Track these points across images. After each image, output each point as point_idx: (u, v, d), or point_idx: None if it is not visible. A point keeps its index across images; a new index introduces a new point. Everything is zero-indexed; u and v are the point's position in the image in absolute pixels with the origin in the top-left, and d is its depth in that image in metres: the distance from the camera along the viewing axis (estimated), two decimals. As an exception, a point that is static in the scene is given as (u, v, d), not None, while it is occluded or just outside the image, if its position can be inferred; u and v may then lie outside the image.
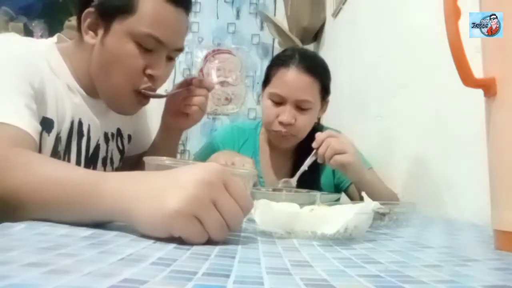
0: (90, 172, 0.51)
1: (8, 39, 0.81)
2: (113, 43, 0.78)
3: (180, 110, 0.94)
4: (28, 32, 3.08)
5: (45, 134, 0.74)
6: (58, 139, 0.79)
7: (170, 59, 0.86)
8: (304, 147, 1.13)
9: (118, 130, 0.99)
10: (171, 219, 0.39)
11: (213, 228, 0.40)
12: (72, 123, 0.82)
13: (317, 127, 1.28)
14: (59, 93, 0.79)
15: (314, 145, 0.96)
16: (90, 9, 0.80)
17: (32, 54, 0.75)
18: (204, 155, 1.19)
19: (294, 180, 1.02)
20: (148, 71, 0.81)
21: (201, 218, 0.39)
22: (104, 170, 0.93)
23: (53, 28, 3.18)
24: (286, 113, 1.10)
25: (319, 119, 1.33)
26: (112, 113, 0.92)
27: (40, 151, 0.72)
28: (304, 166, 0.99)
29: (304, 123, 1.13)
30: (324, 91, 1.15)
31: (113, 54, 0.79)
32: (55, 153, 0.78)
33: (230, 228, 0.42)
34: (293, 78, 1.10)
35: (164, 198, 0.40)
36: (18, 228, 0.42)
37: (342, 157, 0.93)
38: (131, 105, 0.85)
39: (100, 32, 0.80)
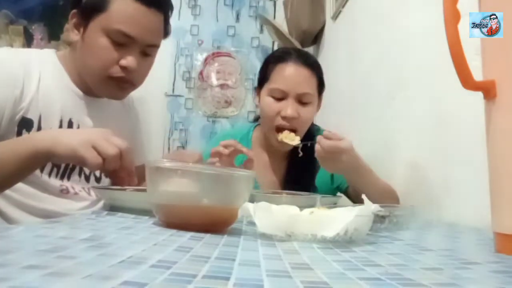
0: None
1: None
2: (89, 38, 0.89)
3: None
4: (28, 35, 3.09)
5: (25, 132, 0.86)
6: None
7: (146, 54, 0.93)
8: (298, 148, 1.09)
9: None
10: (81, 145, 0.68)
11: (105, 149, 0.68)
12: (61, 121, 0.90)
13: (319, 130, 1.29)
14: (46, 95, 0.88)
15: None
16: (75, 10, 0.90)
17: (15, 64, 0.86)
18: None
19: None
20: (121, 62, 0.89)
21: (97, 147, 0.68)
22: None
23: (53, 31, 3.18)
24: (289, 107, 1.09)
25: None
26: (108, 116, 0.97)
27: None
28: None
29: (307, 116, 1.13)
30: (321, 86, 1.18)
31: (89, 48, 0.89)
32: None
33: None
34: (293, 72, 1.11)
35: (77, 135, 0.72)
36: (17, 230, 0.42)
37: (339, 142, 0.90)
38: (111, 89, 0.92)
39: (81, 30, 0.90)
